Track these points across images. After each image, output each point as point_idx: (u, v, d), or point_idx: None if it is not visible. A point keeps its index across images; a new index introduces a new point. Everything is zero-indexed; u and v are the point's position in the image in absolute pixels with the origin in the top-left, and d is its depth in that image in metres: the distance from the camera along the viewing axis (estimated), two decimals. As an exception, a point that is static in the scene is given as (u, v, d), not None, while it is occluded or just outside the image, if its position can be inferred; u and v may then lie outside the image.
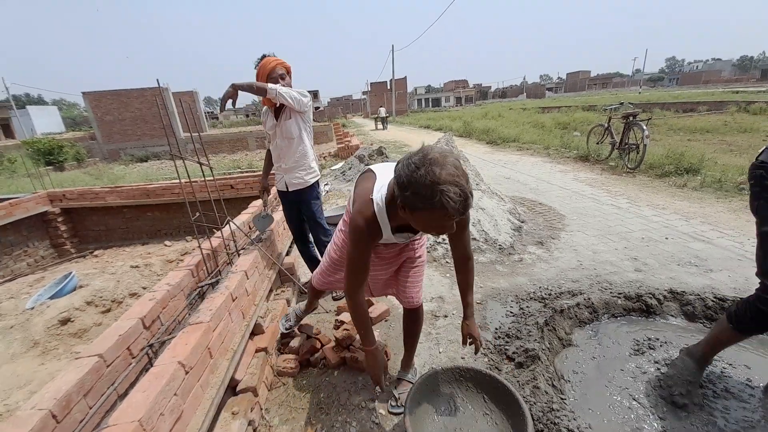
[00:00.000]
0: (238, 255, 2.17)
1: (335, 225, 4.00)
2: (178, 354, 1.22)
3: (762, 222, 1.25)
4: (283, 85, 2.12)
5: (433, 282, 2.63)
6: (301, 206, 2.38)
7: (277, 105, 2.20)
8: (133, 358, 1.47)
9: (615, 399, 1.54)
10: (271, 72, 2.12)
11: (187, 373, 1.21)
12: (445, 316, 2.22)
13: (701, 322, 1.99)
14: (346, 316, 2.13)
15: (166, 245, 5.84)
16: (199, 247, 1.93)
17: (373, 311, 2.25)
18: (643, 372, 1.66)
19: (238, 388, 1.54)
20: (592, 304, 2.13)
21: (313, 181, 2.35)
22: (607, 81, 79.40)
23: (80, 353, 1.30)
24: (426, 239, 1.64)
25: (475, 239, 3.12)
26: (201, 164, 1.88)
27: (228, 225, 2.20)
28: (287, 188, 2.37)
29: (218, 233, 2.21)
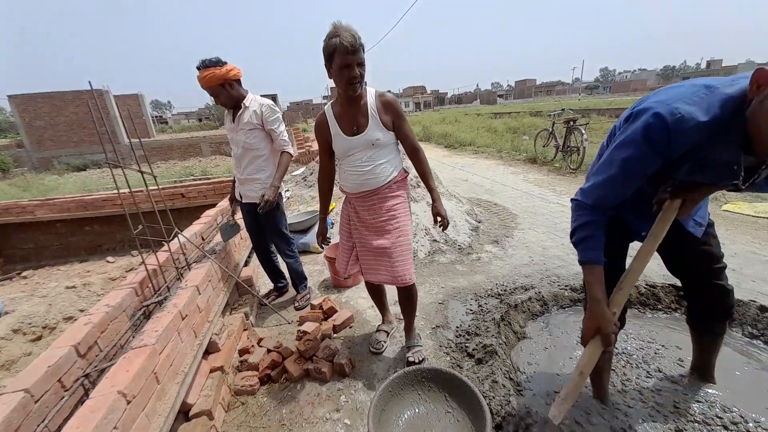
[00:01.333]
0: (189, 269, 2.04)
1: (300, 233, 3.90)
2: (118, 382, 1.11)
3: None
4: (229, 95, 2.05)
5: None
6: (258, 217, 2.27)
7: (234, 106, 2.12)
8: (66, 390, 1.32)
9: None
10: (220, 83, 1.99)
11: (129, 402, 1.11)
12: (408, 319, 2.24)
13: (636, 308, 2.18)
14: (309, 326, 2.09)
15: (108, 262, 5.34)
16: (143, 263, 1.79)
17: (337, 318, 2.22)
18: (589, 358, 1.80)
19: (191, 413, 1.44)
20: (543, 297, 2.27)
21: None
22: (551, 88, 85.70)
23: (4, 388, 1.15)
24: (407, 221, 1.70)
25: (435, 240, 3.20)
26: (143, 173, 1.74)
27: (176, 237, 2.06)
28: (241, 198, 2.30)
29: (165, 247, 2.06)
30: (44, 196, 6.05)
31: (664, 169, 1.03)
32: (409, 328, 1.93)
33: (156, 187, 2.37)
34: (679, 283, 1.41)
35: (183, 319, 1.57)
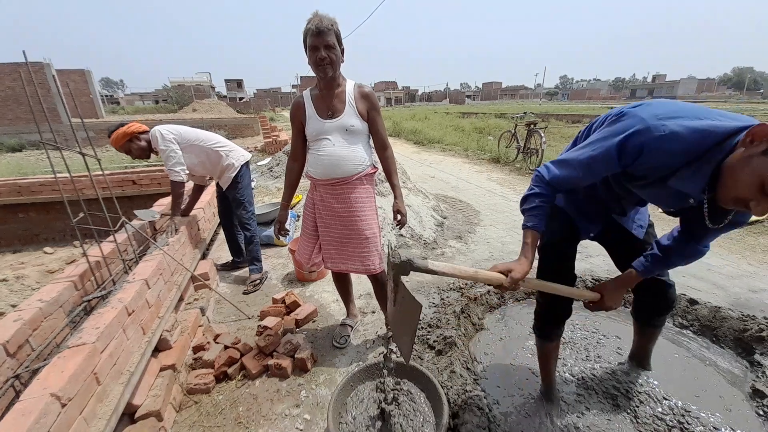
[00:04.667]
0: (138, 262, 1.91)
1: (264, 224, 3.79)
2: (51, 384, 1.02)
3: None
4: (139, 147, 2.32)
5: (362, 279, 2.66)
6: (227, 192, 2.61)
7: (148, 155, 2.42)
8: (-7, 392, 1.19)
9: (518, 375, 1.74)
10: (127, 139, 2.27)
11: (63, 405, 1.02)
12: (373, 312, 2.26)
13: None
14: (270, 321, 2.03)
15: (45, 252, 4.85)
16: (84, 254, 1.64)
17: (300, 312, 2.18)
18: (540, 348, 1.91)
19: (137, 415, 1.36)
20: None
21: (233, 174, 2.53)
22: (515, 92, 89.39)
23: None
24: (373, 213, 1.71)
25: (402, 235, 3.23)
26: (84, 155, 1.59)
27: (123, 227, 1.92)
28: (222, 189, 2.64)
29: (111, 237, 1.91)
30: (-33, 179, 5.35)
31: (621, 176, 1.08)
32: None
33: (101, 173, 2.18)
34: None
35: (129, 315, 1.46)
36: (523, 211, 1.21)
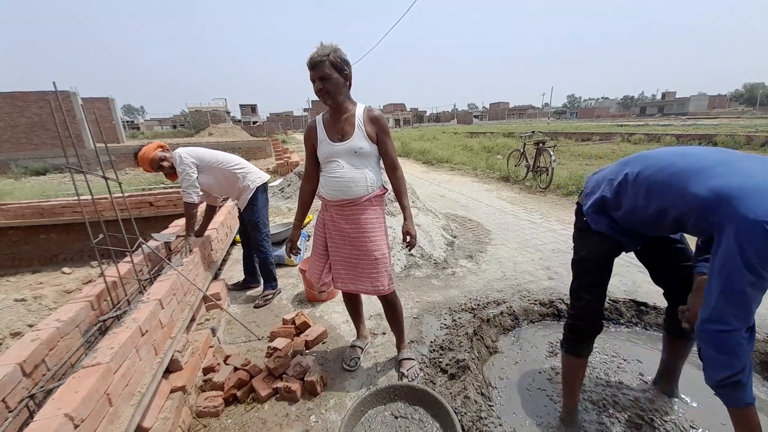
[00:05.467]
0: (153, 282, 1.94)
1: (276, 245, 3.85)
2: (65, 405, 1.03)
3: (574, 252, 1.42)
4: (163, 165, 2.45)
5: (372, 299, 2.63)
6: (243, 214, 2.68)
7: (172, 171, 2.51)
8: (10, 411, 1.21)
9: (535, 401, 1.67)
10: (152, 162, 2.41)
11: (76, 426, 1.02)
12: (384, 334, 2.22)
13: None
14: (280, 342, 2.02)
15: (64, 273, 4.97)
16: (102, 274, 1.68)
17: (310, 333, 2.16)
18: (557, 372, 1.84)
19: (146, 437, 1.34)
20: (514, 311, 2.32)
21: (249, 195, 2.59)
22: (523, 112, 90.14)
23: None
24: (383, 235, 1.72)
25: (412, 255, 3.22)
26: (106, 178, 1.66)
27: (140, 248, 1.97)
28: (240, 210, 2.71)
29: (128, 258, 1.96)
30: (-5, 201, 5.61)
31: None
32: (398, 339, 1.95)
33: (121, 195, 2.27)
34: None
35: (143, 335, 1.48)
36: (735, 385, 0.96)
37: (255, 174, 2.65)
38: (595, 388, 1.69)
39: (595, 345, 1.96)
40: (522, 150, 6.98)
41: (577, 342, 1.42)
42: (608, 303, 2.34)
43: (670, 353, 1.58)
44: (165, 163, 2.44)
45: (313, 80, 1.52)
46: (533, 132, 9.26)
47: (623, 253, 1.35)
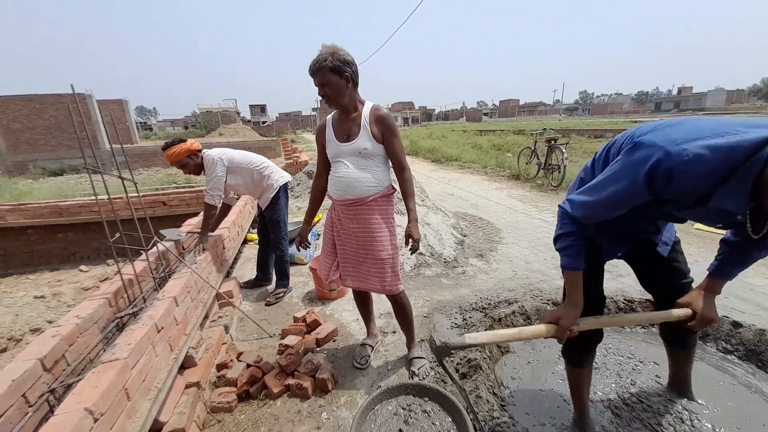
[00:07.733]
0: (167, 279, 1.98)
1: (289, 242, 3.89)
2: (85, 399, 1.05)
3: None
4: (195, 164, 2.47)
5: (382, 298, 2.63)
6: (264, 212, 2.72)
7: (199, 171, 2.54)
8: (31, 406, 1.24)
9: (548, 402, 1.65)
10: (186, 155, 2.42)
11: (96, 420, 1.05)
12: (394, 332, 2.22)
13: (616, 323, 2.23)
14: (291, 340, 2.04)
15: (81, 270, 5.11)
16: (119, 272, 1.72)
17: (321, 331, 2.17)
18: (571, 372, 1.81)
19: (162, 432, 1.37)
20: (526, 311, 2.29)
21: (272, 195, 2.65)
22: (533, 109, 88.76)
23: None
24: (390, 234, 1.71)
25: (421, 254, 3.21)
26: (122, 179, 1.70)
27: (155, 246, 2.00)
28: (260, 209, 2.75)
29: (143, 256, 2.00)
30: (17, 201, 5.79)
31: (655, 202, 1.02)
32: (408, 339, 1.95)
33: (136, 194, 2.31)
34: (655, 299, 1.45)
35: (159, 331, 1.51)
36: (559, 251, 1.20)
37: (278, 173, 2.70)
38: (610, 389, 1.66)
39: (610, 346, 1.94)
40: (533, 147, 6.89)
41: (578, 350, 1.40)
42: (624, 303, 2.30)
43: (674, 361, 1.55)
44: (196, 158, 2.46)
45: (315, 85, 1.55)
46: (544, 129, 9.13)
47: (606, 259, 1.34)
